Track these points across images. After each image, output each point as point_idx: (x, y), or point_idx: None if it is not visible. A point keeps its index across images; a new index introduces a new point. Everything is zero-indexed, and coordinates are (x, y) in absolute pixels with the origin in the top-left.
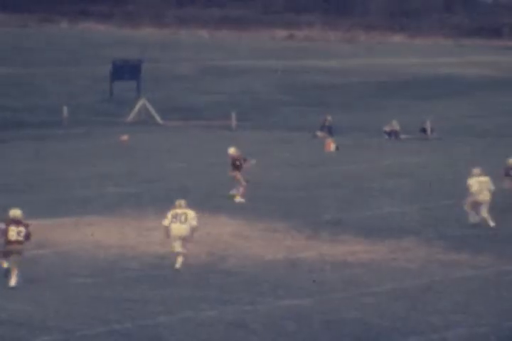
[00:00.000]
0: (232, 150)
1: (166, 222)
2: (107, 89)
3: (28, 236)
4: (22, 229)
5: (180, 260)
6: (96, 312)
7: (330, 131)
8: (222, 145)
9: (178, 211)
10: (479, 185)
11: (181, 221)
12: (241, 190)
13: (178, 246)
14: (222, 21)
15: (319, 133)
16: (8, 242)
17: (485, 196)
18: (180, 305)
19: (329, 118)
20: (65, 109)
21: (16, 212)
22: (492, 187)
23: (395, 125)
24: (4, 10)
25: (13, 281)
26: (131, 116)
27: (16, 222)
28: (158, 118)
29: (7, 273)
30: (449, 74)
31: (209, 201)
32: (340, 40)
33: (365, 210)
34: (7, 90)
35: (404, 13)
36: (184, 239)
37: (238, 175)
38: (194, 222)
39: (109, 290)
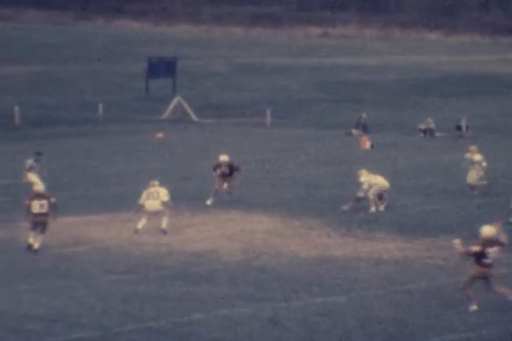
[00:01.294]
0: (224, 157)
1: (140, 201)
2: (143, 87)
3: (52, 207)
4: (44, 202)
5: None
6: (131, 309)
7: (365, 128)
8: (256, 142)
9: (151, 189)
10: None
11: (154, 197)
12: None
13: (142, 223)
14: (256, 18)
15: (354, 131)
16: (33, 215)
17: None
18: (215, 303)
19: (364, 115)
20: (101, 107)
21: (39, 186)
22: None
23: (430, 123)
24: (40, 7)
25: (36, 245)
26: (166, 114)
27: (39, 195)
28: (193, 116)
29: (30, 247)
30: (484, 72)
31: (243, 198)
32: (375, 37)
33: (400, 208)
34: (43, 87)
35: (440, 10)
36: (158, 213)
37: (224, 185)
38: (165, 198)
39: (145, 287)
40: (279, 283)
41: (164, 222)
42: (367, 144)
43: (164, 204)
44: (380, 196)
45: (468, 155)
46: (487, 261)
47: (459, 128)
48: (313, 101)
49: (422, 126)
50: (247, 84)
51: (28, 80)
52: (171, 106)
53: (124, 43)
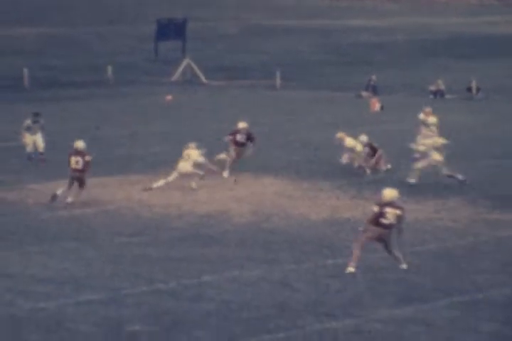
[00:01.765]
0: (242, 124)
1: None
2: (152, 49)
3: (85, 166)
4: (79, 158)
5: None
6: (140, 271)
7: (374, 90)
8: (266, 104)
9: (185, 152)
10: None
11: (185, 159)
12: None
13: (160, 183)
14: None
15: (364, 93)
16: (70, 170)
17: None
18: (225, 264)
19: (374, 77)
20: (110, 69)
21: (78, 144)
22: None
23: (440, 84)
24: None
25: (69, 199)
26: (175, 76)
27: (77, 152)
28: (202, 78)
29: (54, 197)
30: (494, 33)
31: (253, 161)
32: None
33: (408, 169)
34: (52, 50)
35: None
36: (188, 175)
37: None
38: (199, 159)
39: (154, 249)
40: (289, 245)
41: (194, 183)
42: (376, 106)
43: (196, 164)
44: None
45: (421, 116)
46: (385, 221)
47: (469, 90)
48: (323, 64)
49: (433, 88)
50: (256, 46)
51: (37, 42)
52: (181, 68)
53: (134, 5)
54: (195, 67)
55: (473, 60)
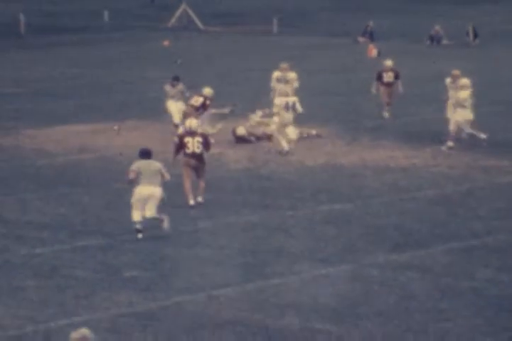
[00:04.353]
0: (207, 91)
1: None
2: None
3: (206, 146)
4: (199, 139)
5: None
6: None
7: (371, 36)
8: (263, 50)
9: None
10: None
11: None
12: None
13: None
14: None
15: (361, 39)
16: (185, 155)
17: None
18: (222, 210)
19: (371, 23)
20: (106, 14)
21: (191, 122)
22: None
23: (439, 30)
24: None
25: (199, 199)
26: (172, 21)
27: (191, 133)
28: (199, 24)
29: None
30: None
31: (248, 107)
32: None
33: (406, 116)
34: None
35: None
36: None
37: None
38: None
39: None
40: (285, 191)
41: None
42: (373, 52)
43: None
44: None
45: (276, 75)
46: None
47: (467, 35)
48: (321, 9)
49: (432, 33)
50: None
51: None
52: (177, 13)
53: None
54: (192, 13)
55: (472, 5)
